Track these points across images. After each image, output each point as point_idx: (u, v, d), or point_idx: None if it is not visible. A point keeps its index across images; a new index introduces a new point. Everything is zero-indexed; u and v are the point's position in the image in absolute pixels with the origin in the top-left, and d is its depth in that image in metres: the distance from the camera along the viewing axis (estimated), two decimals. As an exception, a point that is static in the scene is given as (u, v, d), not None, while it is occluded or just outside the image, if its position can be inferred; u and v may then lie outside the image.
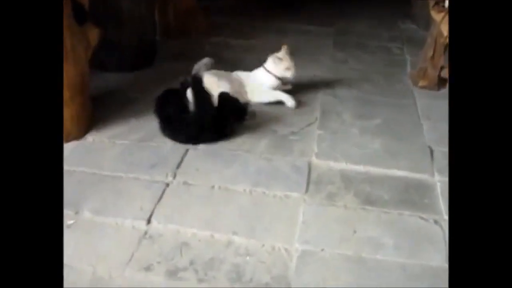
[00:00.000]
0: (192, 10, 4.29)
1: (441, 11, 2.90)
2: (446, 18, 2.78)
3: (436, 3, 3.03)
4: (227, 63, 3.50)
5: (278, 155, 2.65)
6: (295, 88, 3.30)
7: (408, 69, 3.77)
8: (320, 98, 3.27)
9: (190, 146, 2.68)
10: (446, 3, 2.86)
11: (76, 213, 2.19)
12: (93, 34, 2.80)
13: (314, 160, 2.61)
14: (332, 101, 3.24)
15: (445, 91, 3.35)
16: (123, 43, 3.50)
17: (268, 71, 3.13)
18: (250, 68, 3.27)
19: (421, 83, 3.44)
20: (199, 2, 4.43)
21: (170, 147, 2.68)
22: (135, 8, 3.51)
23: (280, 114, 3.05)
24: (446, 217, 2.23)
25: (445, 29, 2.75)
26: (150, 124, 2.85)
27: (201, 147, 2.69)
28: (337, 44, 4.26)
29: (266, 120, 2.97)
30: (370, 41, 4.33)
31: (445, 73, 3.34)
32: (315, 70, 3.67)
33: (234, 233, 2.11)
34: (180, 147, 2.67)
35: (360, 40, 4.35)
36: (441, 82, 3.38)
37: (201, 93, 2.78)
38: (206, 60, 3.25)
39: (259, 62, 3.23)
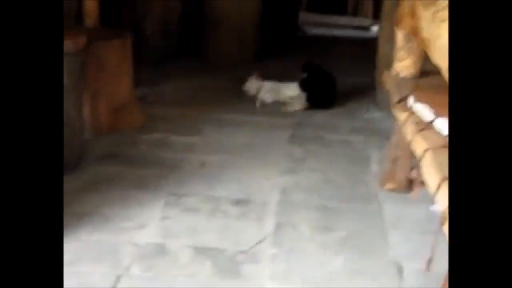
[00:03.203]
0: (127, 104, 4.42)
1: (406, 111, 3.07)
2: (410, 120, 2.94)
3: (400, 101, 3.19)
4: (163, 165, 3.61)
5: (224, 279, 2.70)
6: (242, 195, 3.43)
7: (372, 167, 3.95)
8: (273, 207, 3.37)
9: (122, 273, 2.71)
10: (410, 102, 3.02)
11: None
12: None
13: (267, 286, 2.66)
14: (288, 211, 3.34)
15: (414, 194, 3.51)
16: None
17: None
18: (188, 173, 3.41)
19: (388, 185, 3.60)
20: (135, 90, 4.58)
21: (100, 273, 2.70)
22: (59, 105, 3.58)
23: (224, 227, 3.12)
24: None
25: (408, 132, 2.90)
26: (75, 244, 2.87)
27: (137, 272, 2.73)
28: (295, 138, 4.46)
29: (208, 236, 3.04)
30: (330, 134, 4.54)
31: (414, 174, 3.51)
32: (268, 171, 3.79)
33: None
34: (111, 273, 2.70)
35: (319, 133, 4.54)
36: (410, 184, 3.54)
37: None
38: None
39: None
